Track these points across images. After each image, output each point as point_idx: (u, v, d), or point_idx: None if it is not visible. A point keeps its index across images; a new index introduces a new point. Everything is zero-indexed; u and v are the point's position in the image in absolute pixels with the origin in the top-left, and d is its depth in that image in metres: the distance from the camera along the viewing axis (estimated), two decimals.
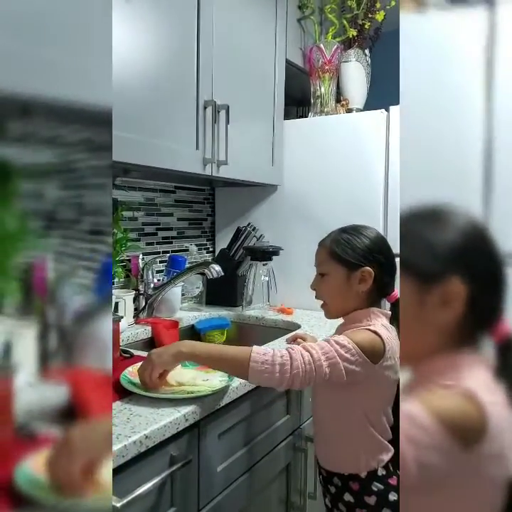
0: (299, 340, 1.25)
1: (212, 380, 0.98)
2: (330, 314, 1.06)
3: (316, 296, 1.06)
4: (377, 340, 0.91)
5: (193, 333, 1.58)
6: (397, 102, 1.63)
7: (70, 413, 0.69)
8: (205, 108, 1.37)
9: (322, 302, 1.06)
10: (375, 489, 0.95)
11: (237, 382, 0.99)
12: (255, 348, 0.87)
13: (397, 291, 1.01)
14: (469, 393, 0.54)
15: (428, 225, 0.61)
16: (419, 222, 0.62)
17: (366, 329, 0.94)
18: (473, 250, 0.60)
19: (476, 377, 0.57)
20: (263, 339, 1.42)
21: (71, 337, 0.74)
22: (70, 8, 0.80)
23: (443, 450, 0.51)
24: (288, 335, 1.38)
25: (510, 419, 0.54)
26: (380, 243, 1.02)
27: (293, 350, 0.88)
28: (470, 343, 0.60)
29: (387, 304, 1.05)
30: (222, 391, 0.94)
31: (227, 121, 1.41)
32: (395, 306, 1.02)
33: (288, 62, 1.81)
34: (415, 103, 1.39)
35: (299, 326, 1.53)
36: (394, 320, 1.00)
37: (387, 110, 1.62)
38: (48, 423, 0.66)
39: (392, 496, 0.95)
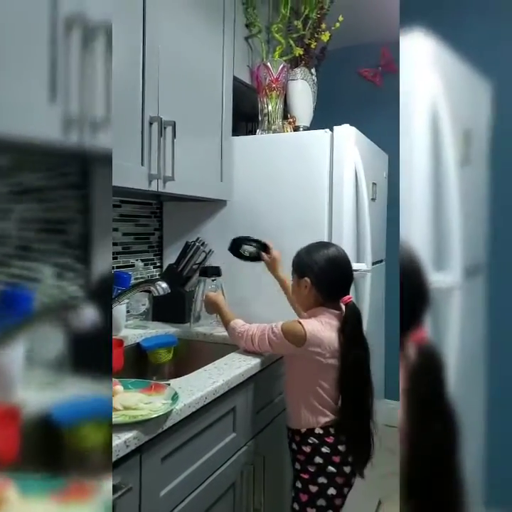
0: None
1: (155, 403, 0.96)
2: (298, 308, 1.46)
3: None
4: (299, 329, 1.22)
5: (139, 351, 1.55)
6: (342, 121, 1.69)
7: None
8: (150, 124, 1.36)
9: None
10: (310, 442, 1.25)
11: (181, 404, 0.98)
12: (235, 322, 1.41)
13: (349, 296, 1.27)
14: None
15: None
16: None
17: (296, 321, 1.26)
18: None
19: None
20: (211, 356, 1.41)
21: None
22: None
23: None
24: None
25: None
26: (325, 261, 1.27)
27: (249, 329, 1.35)
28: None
29: None
30: (165, 415, 0.93)
31: (174, 137, 1.41)
32: (346, 308, 1.27)
33: (236, 80, 1.82)
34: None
35: None
36: (345, 320, 1.25)
37: (332, 130, 1.67)
38: None
39: (325, 449, 1.24)
